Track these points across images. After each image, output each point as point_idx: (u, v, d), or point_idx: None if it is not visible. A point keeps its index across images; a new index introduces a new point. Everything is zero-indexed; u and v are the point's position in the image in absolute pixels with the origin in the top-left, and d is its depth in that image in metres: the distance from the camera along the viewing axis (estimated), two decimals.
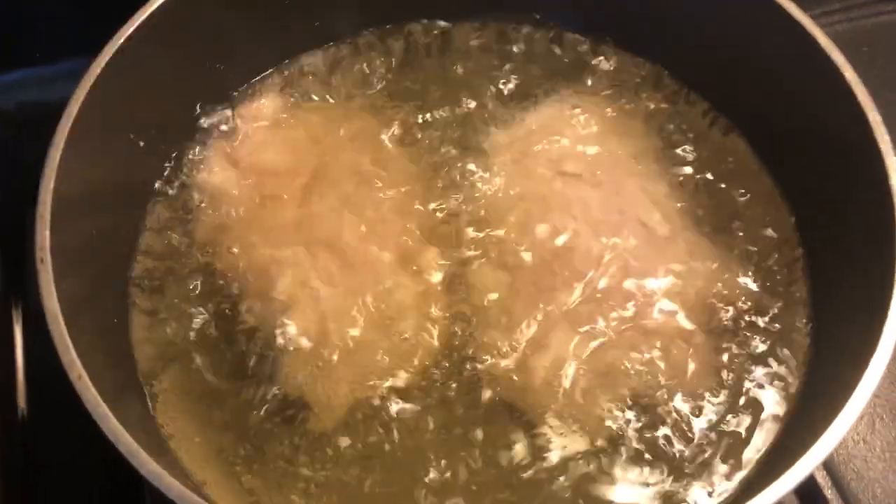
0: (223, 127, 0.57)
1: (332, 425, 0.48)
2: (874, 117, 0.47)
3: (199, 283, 0.52)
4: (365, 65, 0.60)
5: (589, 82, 0.61)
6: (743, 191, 0.57)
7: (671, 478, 0.47)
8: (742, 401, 0.49)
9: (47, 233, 0.43)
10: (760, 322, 0.51)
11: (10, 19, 0.68)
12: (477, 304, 0.52)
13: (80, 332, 0.42)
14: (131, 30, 0.49)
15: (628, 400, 0.48)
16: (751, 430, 0.48)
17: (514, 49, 0.62)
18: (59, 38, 0.68)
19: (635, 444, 0.47)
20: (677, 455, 0.47)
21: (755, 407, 0.49)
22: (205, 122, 0.57)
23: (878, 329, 0.40)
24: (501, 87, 0.60)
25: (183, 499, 0.35)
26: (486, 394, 0.49)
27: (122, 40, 0.49)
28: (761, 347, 0.51)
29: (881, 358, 0.39)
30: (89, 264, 0.48)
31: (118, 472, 0.54)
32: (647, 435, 0.48)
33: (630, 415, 0.48)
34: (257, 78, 0.59)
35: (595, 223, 0.53)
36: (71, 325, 0.41)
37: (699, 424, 0.48)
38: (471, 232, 0.54)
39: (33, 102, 0.67)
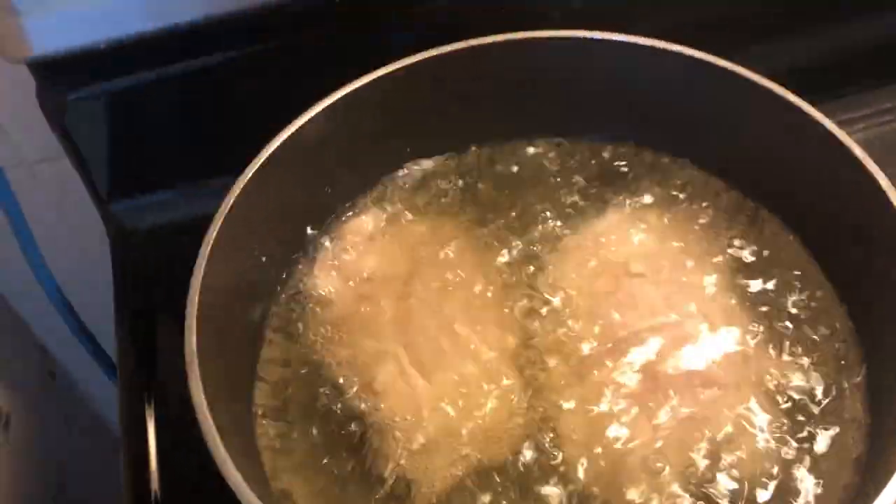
0: (329, 241, 0.65)
1: (430, 500, 0.54)
2: None
3: (310, 375, 0.60)
4: (447, 183, 0.69)
5: (650, 191, 0.67)
6: (797, 287, 0.62)
7: None
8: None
9: (194, 339, 0.51)
10: (815, 411, 0.56)
11: (142, 150, 0.79)
12: (553, 394, 0.58)
13: (219, 424, 0.49)
14: (257, 165, 0.58)
15: (687, 479, 0.53)
16: None
17: (579, 163, 0.70)
18: (184, 165, 0.79)
19: None
20: None
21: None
22: (314, 237, 0.65)
23: None
24: (569, 197, 0.68)
25: None
26: (566, 481, 0.55)
27: (250, 174, 0.58)
28: (819, 440, 0.55)
29: None
30: (223, 364, 0.56)
31: None
32: None
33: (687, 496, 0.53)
34: (358, 197, 0.68)
35: (659, 318, 0.60)
36: (213, 417, 0.49)
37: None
38: (548, 330, 0.60)
39: (163, 223, 0.78)
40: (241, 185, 0.57)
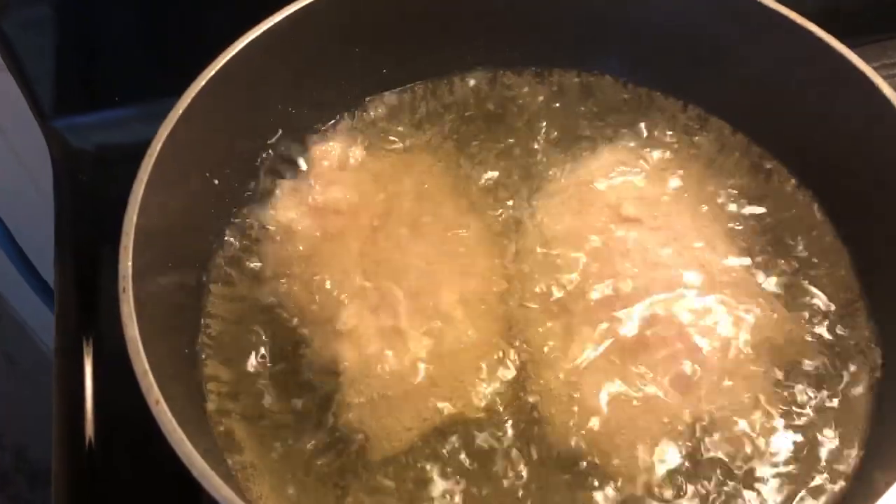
0: (293, 167, 0.59)
1: (389, 455, 0.49)
2: None
3: (265, 315, 0.54)
4: (428, 111, 0.62)
5: (648, 129, 0.62)
6: (804, 241, 0.57)
7: None
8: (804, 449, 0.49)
9: (129, 263, 0.45)
10: (818, 374, 0.51)
11: (90, 63, 0.71)
12: (535, 344, 0.52)
13: (157, 360, 0.43)
14: (212, 73, 0.51)
15: (682, 437, 0.49)
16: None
17: (572, 96, 0.63)
18: (136, 81, 0.71)
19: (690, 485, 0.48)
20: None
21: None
22: (276, 162, 0.59)
23: None
24: (560, 132, 0.62)
25: None
26: (543, 434, 0.50)
27: (202, 83, 0.51)
28: (825, 400, 0.51)
29: None
30: (165, 295, 0.49)
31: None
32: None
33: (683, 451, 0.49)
34: (328, 121, 0.61)
35: (653, 266, 0.54)
36: (149, 353, 0.43)
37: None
38: (531, 274, 0.55)
39: (112, 144, 0.71)
40: (189, 99, 0.50)
